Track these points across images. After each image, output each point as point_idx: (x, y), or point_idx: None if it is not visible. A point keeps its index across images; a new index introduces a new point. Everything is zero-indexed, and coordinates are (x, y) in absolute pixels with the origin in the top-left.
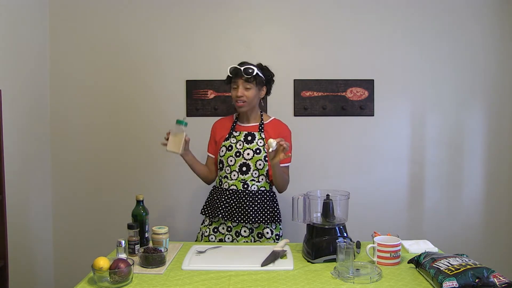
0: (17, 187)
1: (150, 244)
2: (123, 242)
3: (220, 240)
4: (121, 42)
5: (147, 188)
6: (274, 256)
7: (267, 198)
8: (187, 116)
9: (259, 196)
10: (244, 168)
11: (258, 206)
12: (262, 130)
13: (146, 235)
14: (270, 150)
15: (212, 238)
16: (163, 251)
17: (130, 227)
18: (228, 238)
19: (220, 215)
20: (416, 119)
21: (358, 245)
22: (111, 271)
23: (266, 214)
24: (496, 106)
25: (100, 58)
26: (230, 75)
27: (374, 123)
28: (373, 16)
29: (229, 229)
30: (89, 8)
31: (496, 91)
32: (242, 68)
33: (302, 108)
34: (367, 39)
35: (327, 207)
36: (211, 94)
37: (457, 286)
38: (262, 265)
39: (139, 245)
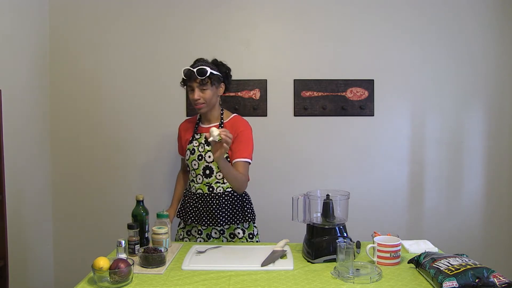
0: (17, 187)
1: (150, 244)
2: (123, 242)
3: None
4: (121, 42)
5: (147, 188)
6: (274, 256)
7: (234, 199)
8: (187, 116)
9: (226, 198)
10: (207, 171)
11: (226, 207)
12: None
13: (146, 235)
14: (210, 139)
15: (186, 240)
16: (163, 251)
17: (130, 227)
18: (200, 241)
19: (190, 220)
20: (416, 119)
21: (358, 245)
22: (111, 271)
23: (235, 215)
24: (496, 106)
25: (100, 57)
26: (185, 78)
27: (374, 123)
28: (373, 16)
29: (199, 232)
30: (89, 8)
31: (496, 91)
32: (195, 70)
33: (302, 108)
34: (367, 39)
35: (327, 207)
36: None
37: (457, 286)
38: (262, 265)
39: (139, 245)
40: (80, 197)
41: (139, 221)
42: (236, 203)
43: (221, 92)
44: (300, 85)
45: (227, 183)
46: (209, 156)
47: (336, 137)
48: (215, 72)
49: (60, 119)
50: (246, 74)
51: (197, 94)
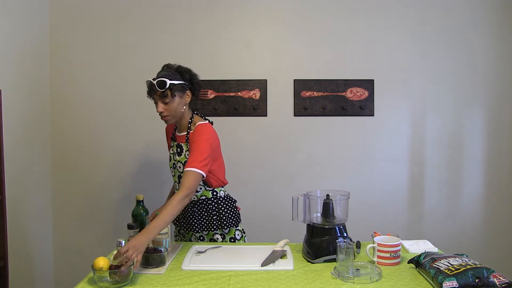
0: (17, 187)
1: (150, 244)
2: (123, 242)
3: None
4: (121, 42)
5: (147, 188)
6: (274, 256)
7: (210, 206)
8: None
9: (200, 206)
10: (181, 180)
11: (201, 214)
12: (188, 141)
13: None
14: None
15: (178, 239)
16: (163, 251)
17: (130, 227)
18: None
19: (174, 222)
20: (416, 119)
21: (358, 245)
22: (111, 271)
23: (210, 222)
24: (496, 106)
25: (100, 58)
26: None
27: (374, 123)
28: (373, 16)
29: (183, 235)
30: (90, 8)
31: (496, 91)
32: (155, 82)
33: (302, 108)
34: (367, 39)
35: (327, 207)
36: (211, 94)
37: (457, 286)
38: (262, 265)
39: None
40: (80, 197)
41: (139, 221)
42: (211, 210)
43: (187, 100)
44: (300, 85)
45: (200, 192)
46: (180, 167)
47: (336, 137)
48: (176, 82)
49: (60, 119)
50: (246, 74)
51: (160, 107)
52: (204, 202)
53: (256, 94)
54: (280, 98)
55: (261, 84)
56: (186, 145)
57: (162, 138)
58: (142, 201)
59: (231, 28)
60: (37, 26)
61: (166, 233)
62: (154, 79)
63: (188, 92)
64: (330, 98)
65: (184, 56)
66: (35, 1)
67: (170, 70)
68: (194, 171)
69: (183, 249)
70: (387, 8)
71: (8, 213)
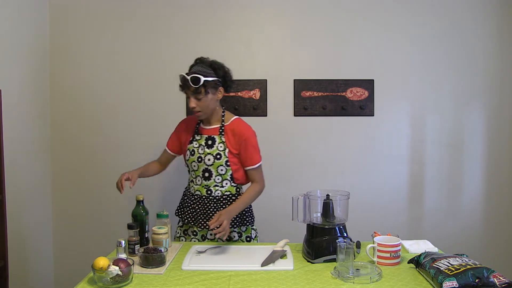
0: (17, 187)
1: (150, 244)
2: (123, 242)
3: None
4: (121, 42)
5: (147, 188)
6: (274, 256)
7: (232, 203)
8: (188, 115)
9: (224, 201)
10: (206, 174)
11: None
12: (223, 133)
13: (146, 235)
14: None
15: (182, 239)
16: (163, 251)
17: (130, 227)
18: (194, 241)
19: (186, 220)
20: (416, 119)
21: (358, 245)
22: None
23: (232, 218)
24: (496, 106)
25: (100, 58)
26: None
27: (374, 123)
28: (373, 16)
29: (195, 233)
30: (90, 8)
31: (496, 91)
32: (189, 78)
33: (302, 108)
34: (367, 39)
35: (327, 207)
36: None
37: (457, 286)
38: (262, 265)
39: (139, 245)
40: (80, 197)
41: (139, 221)
42: None
43: (219, 96)
44: (300, 85)
45: (226, 187)
46: (209, 159)
47: (336, 137)
48: (210, 79)
49: (60, 119)
50: (246, 74)
51: (192, 102)
52: (228, 198)
53: (256, 94)
54: (280, 98)
55: (261, 84)
56: (220, 137)
57: (162, 138)
58: (142, 201)
59: (231, 28)
60: (37, 26)
61: (166, 233)
62: (187, 74)
63: (221, 89)
64: (330, 98)
65: (184, 56)
66: (35, 1)
67: (203, 65)
68: (259, 165)
69: (183, 249)
70: (387, 8)
71: (8, 213)
